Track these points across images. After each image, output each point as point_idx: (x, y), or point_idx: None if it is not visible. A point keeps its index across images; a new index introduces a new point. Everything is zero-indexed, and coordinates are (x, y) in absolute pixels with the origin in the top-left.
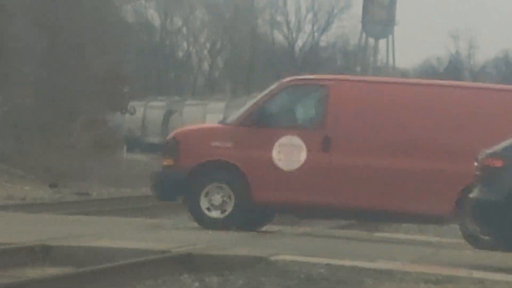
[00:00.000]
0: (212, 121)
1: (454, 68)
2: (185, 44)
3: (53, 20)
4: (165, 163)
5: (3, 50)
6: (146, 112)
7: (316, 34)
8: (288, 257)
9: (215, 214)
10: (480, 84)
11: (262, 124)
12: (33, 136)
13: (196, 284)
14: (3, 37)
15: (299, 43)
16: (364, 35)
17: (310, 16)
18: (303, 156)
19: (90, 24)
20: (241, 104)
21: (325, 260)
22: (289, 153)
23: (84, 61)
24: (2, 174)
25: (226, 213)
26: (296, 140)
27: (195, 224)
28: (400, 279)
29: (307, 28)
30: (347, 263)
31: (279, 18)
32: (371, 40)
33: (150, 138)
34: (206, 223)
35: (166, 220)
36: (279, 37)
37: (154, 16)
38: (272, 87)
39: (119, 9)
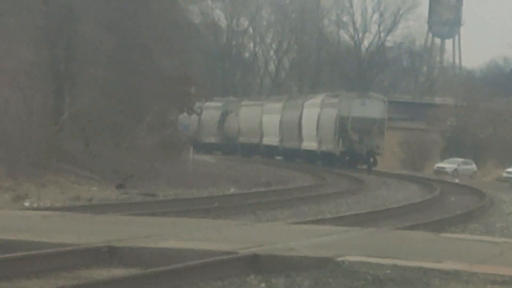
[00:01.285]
0: (268, 121)
1: None
2: (251, 45)
3: (121, 22)
4: None
5: (71, 52)
6: (203, 112)
7: (382, 34)
8: (355, 258)
9: None
10: None
11: None
12: (101, 137)
13: (263, 285)
14: (72, 39)
15: (365, 43)
16: (430, 35)
17: (376, 16)
18: None
19: (157, 25)
20: (298, 105)
21: (391, 261)
22: None
23: (151, 62)
24: (70, 175)
25: None
26: None
27: (262, 224)
28: (467, 280)
29: (373, 28)
30: (414, 264)
31: (345, 18)
32: (437, 40)
33: (206, 138)
34: None
35: (232, 220)
36: (345, 37)
37: (220, 17)
38: None
39: (186, 10)
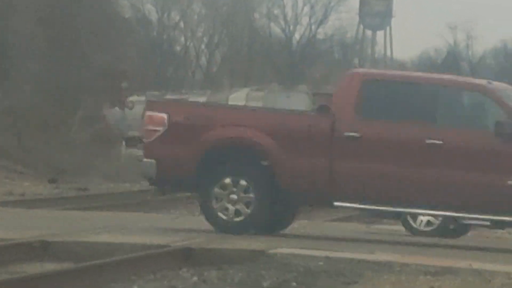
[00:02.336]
0: None
1: (452, 59)
2: (182, 39)
3: (53, 15)
4: None
5: (3, 46)
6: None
7: (313, 26)
8: (287, 250)
9: None
10: None
11: None
12: (33, 131)
13: (195, 278)
14: (4, 33)
15: (297, 36)
16: (361, 27)
17: (307, 9)
18: None
19: (89, 19)
20: (222, 99)
21: (323, 253)
22: None
23: (83, 56)
24: (2, 170)
25: None
26: None
27: (195, 218)
28: (399, 271)
29: (304, 20)
30: (346, 255)
31: (276, 11)
32: (369, 32)
33: (129, 132)
34: None
35: (165, 214)
36: (276, 30)
37: (151, 10)
38: None
39: (117, 4)
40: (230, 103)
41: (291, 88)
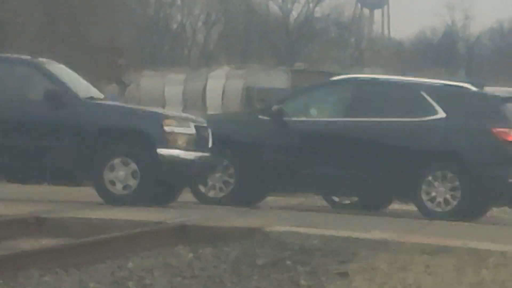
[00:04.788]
0: (171, 91)
1: (449, 39)
2: (179, 16)
3: None
4: None
5: (0, 24)
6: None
7: (311, 5)
8: (283, 228)
9: None
10: None
11: None
12: None
13: (191, 255)
14: (0, 11)
15: (294, 14)
16: (359, 5)
17: None
18: None
19: None
20: (202, 76)
21: (319, 231)
22: None
23: (79, 33)
24: None
25: None
26: None
27: (188, 194)
28: (395, 249)
29: None
30: (341, 233)
31: None
32: (366, 11)
33: None
34: None
35: None
36: (274, 8)
37: None
38: None
39: None
40: (209, 81)
41: (271, 67)
